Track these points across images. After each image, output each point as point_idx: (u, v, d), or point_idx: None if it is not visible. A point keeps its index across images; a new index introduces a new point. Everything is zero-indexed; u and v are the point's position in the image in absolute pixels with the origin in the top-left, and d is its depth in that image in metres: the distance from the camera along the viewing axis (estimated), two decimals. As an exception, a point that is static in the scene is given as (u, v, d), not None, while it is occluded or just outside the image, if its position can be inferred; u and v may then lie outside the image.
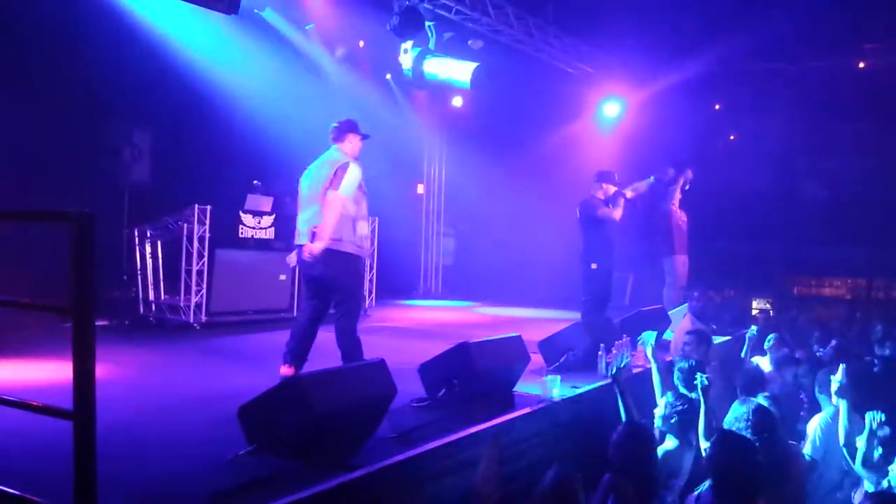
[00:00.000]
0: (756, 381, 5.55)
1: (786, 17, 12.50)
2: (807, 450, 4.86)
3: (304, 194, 5.65)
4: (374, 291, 10.85)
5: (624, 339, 6.78)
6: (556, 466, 3.44)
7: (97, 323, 2.51)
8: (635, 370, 6.72)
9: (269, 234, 9.24)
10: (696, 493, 3.93)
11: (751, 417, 4.23)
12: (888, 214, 14.08)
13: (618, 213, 8.04)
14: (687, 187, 10.42)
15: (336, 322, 5.46)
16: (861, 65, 13.29)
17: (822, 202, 15.03)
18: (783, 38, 13.15)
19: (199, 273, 8.53)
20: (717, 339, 8.00)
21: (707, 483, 3.75)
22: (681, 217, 10.36)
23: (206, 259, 8.56)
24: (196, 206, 8.57)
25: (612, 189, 8.21)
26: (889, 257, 13.44)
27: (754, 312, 12.76)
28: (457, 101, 13.30)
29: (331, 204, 5.33)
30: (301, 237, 5.53)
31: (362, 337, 5.51)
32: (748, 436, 4.04)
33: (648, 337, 6.27)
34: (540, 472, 3.76)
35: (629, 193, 8.19)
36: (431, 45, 10.68)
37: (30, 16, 8.13)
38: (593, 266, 8.21)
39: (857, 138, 14.71)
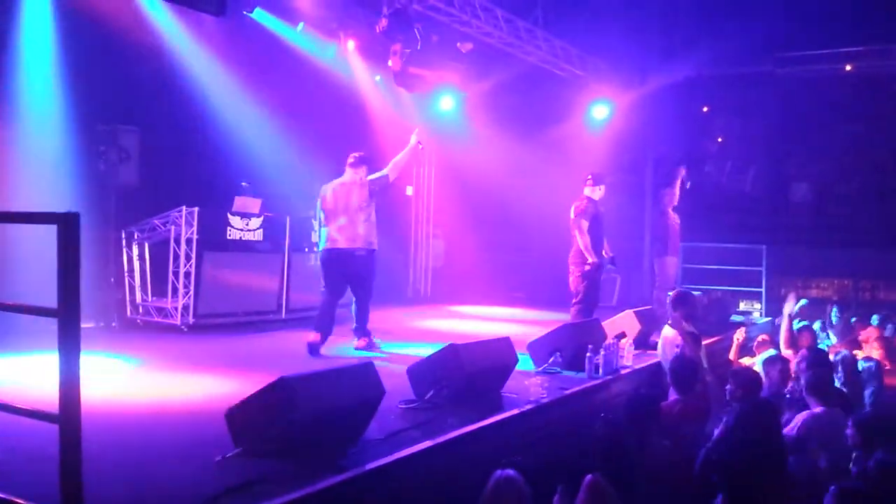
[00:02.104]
0: (750, 382, 5.57)
1: (773, 20, 12.58)
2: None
3: (329, 207, 7.44)
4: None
5: (612, 340, 6.82)
6: (498, 471, 3.38)
7: (84, 325, 2.51)
8: (623, 371, 6.76)
9: (258, 235, 9.21)
10: None
11: None
12: (874, 216, 14.20)
13: (583, 241, 8.33)
14: (688, 185, 10.48)
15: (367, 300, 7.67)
16: (848, 68, 13.38)
17: (808, 203, 15.14)
18: (771, 41, 13.23)
19: (187, 275, 8.50)
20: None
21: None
22: (675, 219, 10.44)
23: (193, 261, 8.52)
24: (184, 207, 8.53)
25: (602, 190, 8.41)
26: (875, 258, 13.55)
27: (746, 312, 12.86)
28: (446, 103, 13.32)
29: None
30: (339, 242, 7.38)
31: (351, 339, 5.71)
32: None
33: None
34: (530, 474, 3.77)
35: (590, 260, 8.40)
36: (419, 46, 10.68)
37: (17, 18, 8.09)
38: (586, 267, 8.32)
39: (844, 141, 14.82)
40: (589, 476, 3.62)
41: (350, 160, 7.61)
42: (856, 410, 5.33)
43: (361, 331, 7.65)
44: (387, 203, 13.70)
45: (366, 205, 7.46)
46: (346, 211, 7.41)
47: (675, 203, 10.29)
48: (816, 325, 9.42)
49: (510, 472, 3.32)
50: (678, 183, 10.35)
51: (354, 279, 7.59)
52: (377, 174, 7.68)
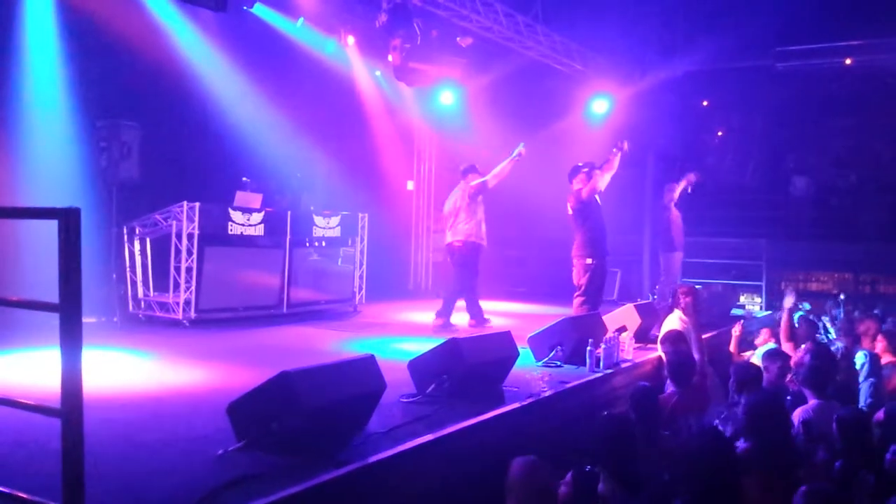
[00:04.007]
0: (752, 376, 5.59)
1: (772, 14, 12.56)
2: None
3: (445, 211, 9.28)
4: (363, 289, 10.85)
5: (612, 334, 6.83)
6: (520, 457, 3.47)
7: (85, 320, 2.52)
8: (624, 364, 6.77)
9: (259, 230, 9.22)
10: None
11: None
12: (875, 209, 14.20)
13: (608, 171, 8.54)
14: (689, 190, 10.52)
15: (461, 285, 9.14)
16: (847, 61, 13.36)
17: (808, 197, 15.13)
18: (770, 35, 13.22)
19: (189, 270, 8.51)
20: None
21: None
22: (677, 214, 10.48)
23: (195, 256, 8.54)
24: (185, 203, 8.53)
25: (585, 171, 8.58)
26: (875, 252, 13.55)
27: (746, 305, 12.87)
28: (446, 98, 13.32)
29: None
30: (449, 237, 9.08)
31: (355, 332, 5.87)
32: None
33: None
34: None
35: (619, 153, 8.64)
36: (419, 41, 10.67)
37: (20, 14, 8.10)
38: (588, 261, 8.33)
39: (843, 134, 14.82)
40: (588, 466, 3.66)
41: (461, 174, 9.33)
42: (851, 404, 5.34)
43: (474, 311, 9.12)
44: (388, 198, 13.82)
45: (466, 206, 8.94)
46: (453, 212, 9.05)
47: (676, 200, 10.32)
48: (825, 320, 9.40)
49: (531, 456, 3.45)
50: (683, 184, 10.39)
51: (455, 266, 9.10)
52: (479, 179, 9.02)
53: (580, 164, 8.74)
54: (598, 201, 8.62)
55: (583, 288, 8.43)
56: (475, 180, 9.04)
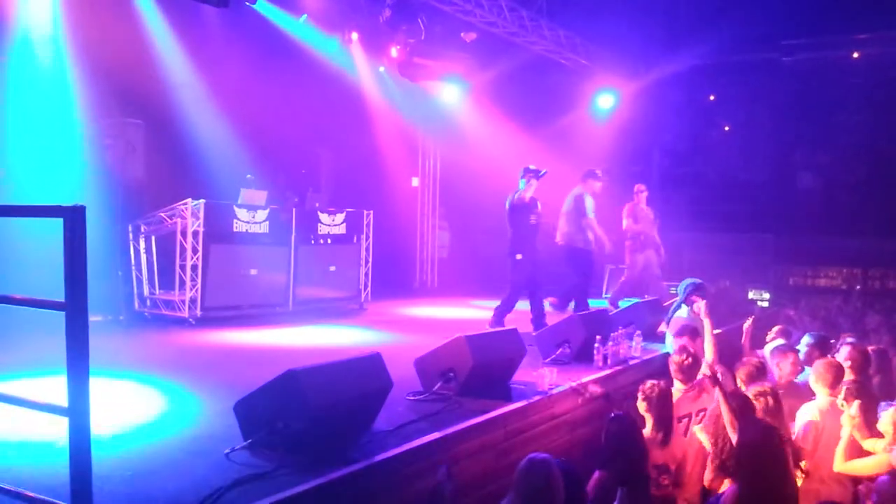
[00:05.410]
0: (759, 372, 5.56)
1: (778, 8, 12.51)
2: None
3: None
4: (369, 286, 10.83)
5: (620, 331, 6.80)
6: (531, 455, 3.48)
7: (91, 318, 2.50)
8: (632, 362, 6.74)
9: (264, 228, 9.20)
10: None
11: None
12: (883, 204, 14.13)
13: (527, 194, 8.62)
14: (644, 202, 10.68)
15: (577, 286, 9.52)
16: (855, 55, 13.30)
17: (817, 192, 15.07)
18: (776, 29, 13.17)
19: (194, 268, 8.50)
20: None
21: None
22: (647, 214, 10.61)
23: (200, 254, 8.53)
24: (189, 200, 8.53)
25: (532, 178, 8.58)
26: (884, 247, 13.48)
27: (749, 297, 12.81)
28: (451, 94, 13.28)
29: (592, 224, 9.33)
30: (557, 237, 9.48)
31: (358, 331, 5.78)
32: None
33: None
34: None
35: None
36: (423, 37, 10.65)
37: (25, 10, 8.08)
38: (518, 256, 8.45)
39: (851, 128, 14.75)
40: (596, 473, 3.64)
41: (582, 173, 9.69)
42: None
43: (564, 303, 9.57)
44: (393, 195, 13.80)
45: (571, 209, 9.34)
46: (562, 213, 9.49)
47: (633, 211, 10.51)
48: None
49: (544, 454, 3.48)
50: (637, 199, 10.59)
51: (567, 267, 9.53)
52: (587, 204, 9.26)
53: (532, 167, 8.75)
54: (539, 207, 8.70)
55: (513, 282, 8.58)
56: (588, 191, 9.38)
